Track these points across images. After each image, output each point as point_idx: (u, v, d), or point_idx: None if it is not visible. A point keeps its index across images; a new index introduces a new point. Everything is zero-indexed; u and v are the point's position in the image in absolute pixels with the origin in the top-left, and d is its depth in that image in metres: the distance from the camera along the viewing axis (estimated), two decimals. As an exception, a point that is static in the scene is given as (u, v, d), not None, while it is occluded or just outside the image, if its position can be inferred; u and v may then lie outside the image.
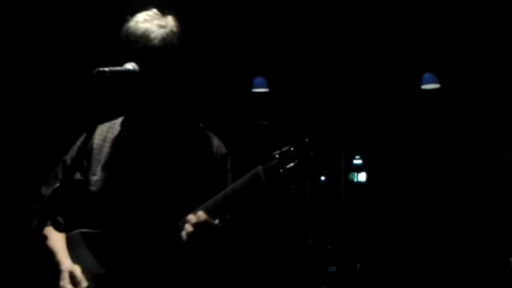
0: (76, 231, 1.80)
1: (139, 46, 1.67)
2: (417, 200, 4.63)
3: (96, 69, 1.56)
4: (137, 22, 1.71)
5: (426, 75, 4.52)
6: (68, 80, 3.67)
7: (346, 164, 5.01)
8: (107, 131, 1.85)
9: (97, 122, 1.81)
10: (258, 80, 4.64)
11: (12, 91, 3.79)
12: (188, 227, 1.61)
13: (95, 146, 1.82)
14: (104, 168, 1.80)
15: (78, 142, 1.87)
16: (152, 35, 1.67)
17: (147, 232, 1.70)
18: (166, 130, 1.79)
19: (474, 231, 4.24)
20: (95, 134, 1.83)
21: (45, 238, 1.76)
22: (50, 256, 1.76)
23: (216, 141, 1.84)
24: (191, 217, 1.62)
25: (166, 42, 1.69)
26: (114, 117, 1.91)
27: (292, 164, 1.52)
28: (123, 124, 1.85)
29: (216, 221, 1.61)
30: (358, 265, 4.55)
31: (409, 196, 4.67)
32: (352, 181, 4.97)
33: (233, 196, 1.60)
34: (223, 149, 1.84)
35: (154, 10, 1.76)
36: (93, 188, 1.78)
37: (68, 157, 1.86)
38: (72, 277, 1.71)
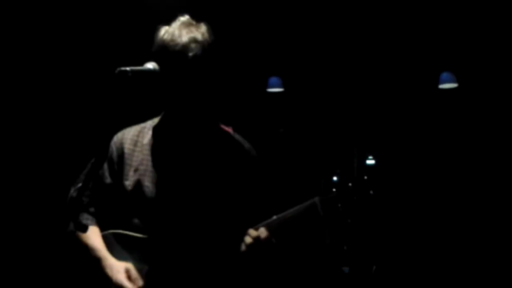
0: (108, 231, 1.81)
1: (180, 57, 1.67)
2: (432, 202, 4.58)
3: (118, 69, 1.56)
4: (174, 31, 1.71)
5: (444, 75, 4.47)
6: (90, 80, 3.67)
7: (358, 164, 4.98)
8: (137, 136, 1.85)
9: (121, 124, 1.82)
10: (273, 80, 4.62)
11: (32, 92, 3.80)
12: (248, 239, 1.68)
13: (126, 151, 1.82)
14: (137, 173, 1.80)
15: (110, 146, 1.85)
16: (193, 46, 1.68)
17: (187, 237, 1.72)
18: (199, 135, 1.80)
19: (489, 230, 4.19)
20: (125, 138, 1.84)
21: (81, 237, 1.76)
22: (90, 252, 1.76)
23: (247, 145, 1.85)
24: (252, 232, 1.69)
25: (206, 53, 1.69)
26: (137, 118, 1.92)
27: (350, 201, 1.59)
28: (155, 129, 1.84)
29: (274, 240, 1.68)
30: (374, 267, 4.52)
31: (424, 197, 4.63)
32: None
33: (288, 222, 1.67)
34: (254, 153, 1.84)
35: (187, 17, 1.75)
36: (126, 193, 1.78)
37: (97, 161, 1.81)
38: (128, 274, 1.72)
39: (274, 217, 1.70)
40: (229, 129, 1.87)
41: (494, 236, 4.14)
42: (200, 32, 1.71)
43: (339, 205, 1.58)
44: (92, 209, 1.83)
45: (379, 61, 4.50)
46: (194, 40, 1.69)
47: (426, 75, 4.56)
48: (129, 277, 1.72)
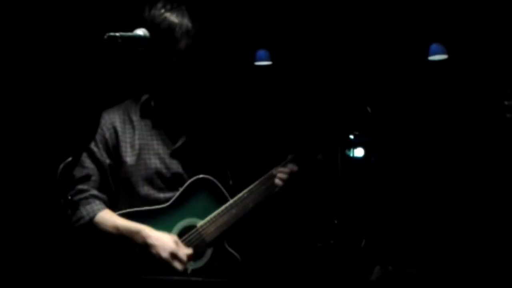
0: (120, 212, 1.86)
1: (177, 34, 1.78)
2: (420, 176, 4.59)
3: (107, 34, 1.53)
4: (164, 12, 1.80)
5: (434, 46, 4.42)
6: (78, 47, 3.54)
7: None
8: (123, 114, 1.94)
9: (107, 105, 1.91)
10: (261, 53, 4.53)
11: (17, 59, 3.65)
12: (284, 175, 1.91)
13: (119, 129, 1.90)
14: (135, 148, 1.88)
15: (99, 128, 1.92)
16: (187, 24, 1.78)
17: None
18: (188, 106, 1.92)
19: (475, 203, 4.21)
20: (113, 118, 1.93)
21: (98, 223, 1.83)
22: (115, 232, 1.80)
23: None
24: (283, 169, 1.92)
25: (199, 28, 1.81)
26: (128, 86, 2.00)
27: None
28: (144, 105, 1.94)
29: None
30: (364, 241, 4.53)
31: (414, 171, 4.63)
32: (348, 156, 4.99)
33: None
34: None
35: None
36: (128, 169, 1.86)
37: (92, 145, 1.89)
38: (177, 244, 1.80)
39: (289, 156, 1.94)
40: None
41: (482, 209, 4.16)
42: (183, 8, 1.82)
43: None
44: (99, 194, 1.87)
45: (367, 34, 4.44)
46: (191, 11, 1.80)
47: (416, 47, 4.51)
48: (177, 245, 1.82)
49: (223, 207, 1.84)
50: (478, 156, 4.28)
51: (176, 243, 1.78)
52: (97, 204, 1.85)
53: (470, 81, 4.41)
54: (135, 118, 1.92)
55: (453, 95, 4.50)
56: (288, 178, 1.92)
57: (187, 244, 1.81)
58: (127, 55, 1.65)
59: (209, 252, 1.82)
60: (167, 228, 1.82)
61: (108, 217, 1.82)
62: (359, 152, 4.99)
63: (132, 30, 1.63)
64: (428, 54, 4.45)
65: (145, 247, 1.76)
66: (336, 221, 4.86)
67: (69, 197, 1.79)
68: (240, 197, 1.85)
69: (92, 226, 1.82)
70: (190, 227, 1.84)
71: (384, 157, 4.73)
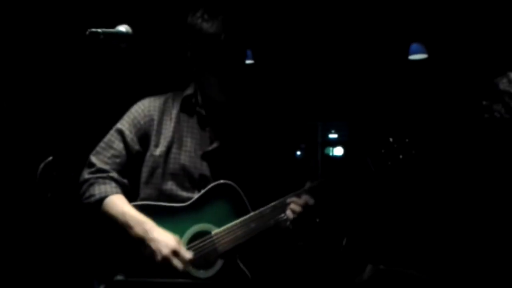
0: (135, 203, 1.79)
1: (214, 44, 1.76)
2: (399, 172, 4.63)
3: (89, 30, 1.51)
4: (203, 19, 1.80)
5: (414, 46, 4.47)
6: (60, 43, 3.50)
7: (322, 139, 5.05)
8: (163, 105, 1.90)
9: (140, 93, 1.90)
10: (243, 51, 4.53)
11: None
12: (297, 208, 1.73)
13: (156, 118, 1.86)
14: (168, 141, 1.84)
15: (134, 112, 1.89)
16: (223, 35, 1.77)
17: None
18: (229, 108, 1.88)
19: (458, 199, 4.27)
20: (152, 106, 1.89)
21: (107, 205, 1.77)
22: (120, 217, 1.75)
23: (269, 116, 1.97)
24: (297, 200, 1.73)
25: (235, 37, 1.81)
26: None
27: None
28: (185, 100, 1.91)
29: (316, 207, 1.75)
30: (345, 240, 4.55)
31: (393, 171, 4.67)
32: (328, 155, 5.03)
33: (339, 183, 1.75)
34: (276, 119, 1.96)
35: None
36: (156, 159, 1.81)
37: (124, 128, 1.86)
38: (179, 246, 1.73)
39: (308, 184, 1.76)
40: None
41: (463, 207, 4.22)
42: (230, 12, 1.84)
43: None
44: (119, 178, 1.82)
45: (348, 33, 4.47)
46: (227, 21, 1.80)
47: (396, 46, 4.56)
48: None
49: (242, 219, 1.75)
50: (458, 154, 4.34)
51: (179, 243, 1.72)
52: (112, 186, 1.79)
53: (450, 81, 4.47)
54: (175, 111, 1.89)
55: (433, 94, 4.56)
56: (301, 211, 1.74)
57: (198, 249, 1.75)
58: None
59: (219, 263, 1.74)
60: (181, 229, 1.76)
61: (119, 202, 1.76)
62: (338, 151, 5.04)
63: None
64: (408, 54, 4.51)
65: (144, 240, 1.70)
66: (317, 220, 4.89)
67: (87, 176, 1.82)
68: (261, 212, 1.75)
69: (101, 207, 1.77)
70: (204, 233, 1.76)
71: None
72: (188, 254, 1.70)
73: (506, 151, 1.80)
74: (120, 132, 1.86)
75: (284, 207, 1.73)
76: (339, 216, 4.70)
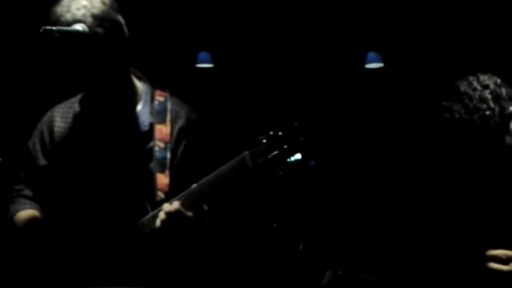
0: (48, 215, 1.75)
1: (65, 27, 1.55)
2: (358, 178, 4.71)
3: (43, 28, 1.45)
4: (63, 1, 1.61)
5: (370, 55, 4.57)
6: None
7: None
8: (67, 112, 1.77)
9: (54, 102, 1.76)
10: (203, 55, 4.51)
11: None
12: (162, 215, 1.57)
13: (56, 129, 1.75)
14: (69, 150, 1.73)
15: (39, 125, 1.79)
16: (78, 16, 1.57)
17: (113, 219, 1.65)
18: (125, 105, 1.72)
19: (408, 204, 4.36)
20: (54, 116, 1.77)
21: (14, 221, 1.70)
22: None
23: (185, 109, 1.76)
24: (166, 206, 1.57)
25: (95, 25, 1.58)
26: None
27: (280, 150, 1.48)
28: (82, 101, 1.77)
29: (190, 213, 1.57)
30: (302, 244, 4.58)
31: (349, 174, 4.74)
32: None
33: (218, 182, 1.56)
34: (193, 116, 1.76)
35: None
36: (62, 171, 1.71)
37: (30, 143, 1.77)
38: None
39: (194, 185, 1.59)
40: (166, 94, 1.78)
41: (419, 211, 4.31)
42: (91, 2, 1.59)
43: (270, 156, 1.48)
44: (29, 194, 1.75)
45: (306, 41, 4.52)
46: (82, 8, 1.57)
47: (353, 55, 4.64)
48: None
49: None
50: (417, 158, 4.43)
51: None
52: (21, 203, 1.73)
53: (406, 87, 4.58)
54: (77, 113, 1.75)
55: (390, 100, 4.67)
56: (165, 219, 1.57)
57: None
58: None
59: None
60: None
61: (22, 217, 1.69)
62: (296, 155, 5.06)
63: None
64: (365, 62, 4.60)
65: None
66: (275, 225, 4.90)
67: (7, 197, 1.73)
68: (143, 222, 1.62)
69: (13, 225, 1.71)
70: None
71: (323, 161, 4.82)
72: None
73: (464, 150, 1.84)
74: (27, 148, 1.79)
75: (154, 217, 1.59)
76: (295, 221, 4.73)
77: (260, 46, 4.56)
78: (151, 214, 1.63)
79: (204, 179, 1.59)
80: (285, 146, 1.49)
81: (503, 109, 1.78)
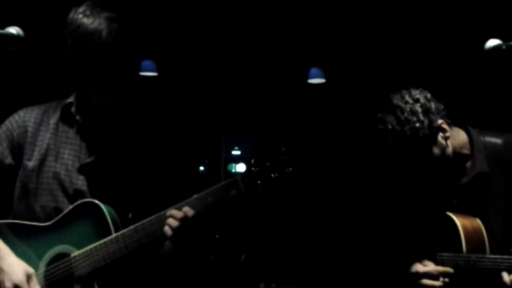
0: (6, 221, 1.68)
1: (93, 42, 1.60)
2: (301, 190, 4.78)
3: None
4: (85, 10, 1.65)
5: (313, 70, 4.69)
6: None
7: (226, 155, 5.07)
8: (42, 115, 1.76)
9: (25, 103, 1.74)
10: (147, 63, 4.48)
11: None
12: (173, 222, 1.56)
13: (30, 129, 1.72)
14: (42, 153, 1.71)
15: (8, 123, 1.75)
16: (104, 32, 1.61)
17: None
18: (111, 118, 1.73)
19: (358, 214, 4.46)
20: (28, 117, 1.75)
21: None
22: None
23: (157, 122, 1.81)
24: (176, 212, 1.57)
25: (118, 36, 1.63)
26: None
27: (270, 177, 1.57)
28: (64, 109, 1.76)
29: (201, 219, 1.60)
30: (243, 255, 4.60)
31: (293, 186, 4.80)
32: (230, 171, 5.05)
33: (211, 200, 1.59)
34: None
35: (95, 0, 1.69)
36: (28, 174, 1.69)
37: None
38: (28, 279, 1.59)
39: (195, 196, 1.61)
40: None
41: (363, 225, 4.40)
42: (113, 12, 1.64)
43: (259, 182, 1.56)
44: None
45: (250, 56, 4.58)
46: (110, 19, 1.62)
47: (296, 70, 4.74)
48: (27, 283, 1.59)
49: (102, 241, 1.60)
50: (357, 171, 4.54)
51: (28, 277, 1.56)
52: None
53: (346, 101, 4.72)
54: (54, 120, 1.73)
55: (331, 114, 4.79)
56: (179, 225, 1.55)
57: (54, 273, 1.62)
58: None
59: None
60: (43, 250, 1.64)
61: None
62: (241, 167, 5.08)
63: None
64: (307, 78, 4.71)
65: None
66: (217, 236, 4.88)
67: None
68: (124, 234, 1.59)
69: None
70: (63, 255, 1.63)
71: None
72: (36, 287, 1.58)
73: (396, 159, 1.92)
74: None
75: (163, 221, 1.58)
76: (238, 232, 4.74)
77: (205, 57, 4.59)
78: (144, 221, 1.61)
79: (194, 197, 1.61)
80: (275, 175, 1.58)
81: (431, 122, 1.88)
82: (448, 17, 3.95)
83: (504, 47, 1.68)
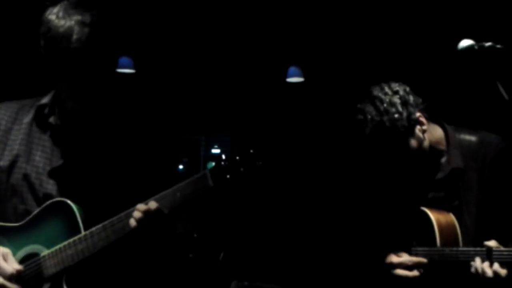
0: None
1: (61, 46, 1.55)
2: (280, 190, 4.79)
3: None
4: (59, 12, 1.58)
5: (292, 69, 4.70)
6: None
7: (205, 153, 5.07)
8: (17, 113, 1.71)
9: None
10: (124, 60, 4.44)
11: None
12: (138, 214, 1.54)
13: (2, 128, 1.69)
14: (13, 153, 1.67)
15: None
16: (74, 37, 1.54)
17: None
18: (88, 120, 1.68)
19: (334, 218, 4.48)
20: (2, 113, 1.70)
21: None
22: None
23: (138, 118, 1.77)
24: (141, 206, 1.55)
25: (95, 36, 1.55)
26: None
27: (238, 171, 1.54)
28: (39, 108, 1.71)
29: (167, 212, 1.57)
30: (222, 254, 4.58)
31: (271, 186, 4.81)
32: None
33: (179, 195, 1.57)
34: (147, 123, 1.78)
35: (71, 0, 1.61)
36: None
37: None
38: (4, 258, 1.59)
39: (164, 192, 1.60)
40: None
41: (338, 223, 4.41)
42: (89, 13, 1.57)
43: (228, 176, 1.54)
44: None
45: (229, 54, 4.58)
46: (81, 23, 1.54)
47: (275, 69, 4.75)
48: (5, 260, 1.60)
49: (71, 240, 1.58)
50: (334, 166, 4.56)
51: (4, 256, 1.58)
52: None
53: (325, 103, 4.74)
54: (27, 120, 1.68)
55: (310, 113, 4.81)
56: (143, 218, 1.53)
57: (24, 273, 1.59)
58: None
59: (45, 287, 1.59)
60: (12, 250, 1.61)
61: None
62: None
63: None
64: (286, 76, 4.72)
65: None
66: (195, 235, 4.86)
67: None
68: (92, 232, 1.57)
69: None
70: (33, 255, 1.62)
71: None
72: (12, 267, 1.58)
73: (374, 150, 1.93)
74: None
75: (129, 215, 1.56)
76: (216, 230, 4.73)
77: (183, 55, 4.56)
78: (121, 214, 1.59)
79: (166, 193, 1.58)
80: (242, 169, 1.55)
81: (410, 114, 1.91)
82: (424, 17, 4.01)
83: (476, 47, 1.71)
